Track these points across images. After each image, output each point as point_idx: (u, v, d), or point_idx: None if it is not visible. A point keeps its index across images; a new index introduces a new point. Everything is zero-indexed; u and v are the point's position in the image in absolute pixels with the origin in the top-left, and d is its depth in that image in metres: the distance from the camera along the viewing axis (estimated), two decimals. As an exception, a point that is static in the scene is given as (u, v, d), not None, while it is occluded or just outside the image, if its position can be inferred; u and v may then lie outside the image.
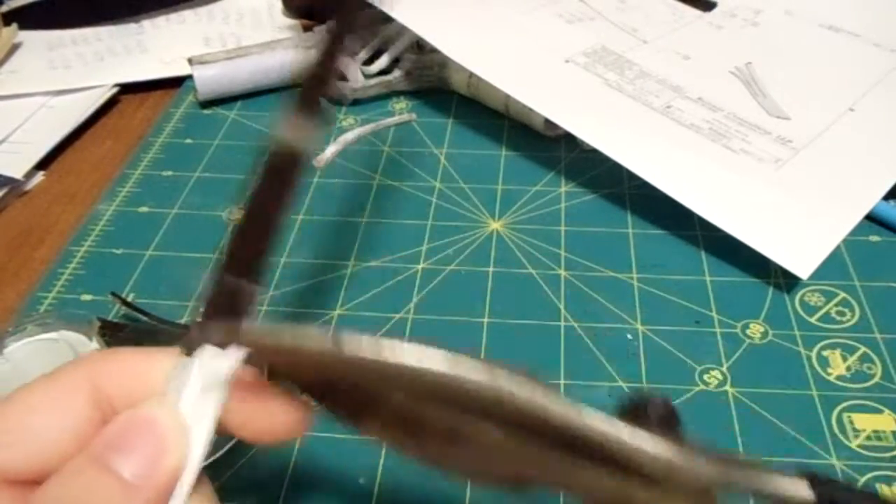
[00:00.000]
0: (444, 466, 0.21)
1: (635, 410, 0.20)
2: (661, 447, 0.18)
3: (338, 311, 0.37)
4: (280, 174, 0.23)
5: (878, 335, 0.35)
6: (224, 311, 0.21)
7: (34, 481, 0.18)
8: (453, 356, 0.18)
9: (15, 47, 0.59)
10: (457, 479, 0.21)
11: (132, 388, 0.20)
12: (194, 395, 0.20)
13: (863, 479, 0.30)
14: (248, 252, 0.22)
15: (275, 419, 0.21)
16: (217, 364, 0.20)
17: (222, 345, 0.20)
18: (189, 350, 0.21)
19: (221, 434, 0.20)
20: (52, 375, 0.20)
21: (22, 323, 0.33)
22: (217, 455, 0.29)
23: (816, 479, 0.19)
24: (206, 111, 0.53)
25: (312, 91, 0.24)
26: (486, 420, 0.19)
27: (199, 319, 0.21)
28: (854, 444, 0.31)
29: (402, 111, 0.52)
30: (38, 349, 0.32)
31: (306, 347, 0.19)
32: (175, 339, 0.34)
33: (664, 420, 0.20)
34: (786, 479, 0.19)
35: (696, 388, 0.33)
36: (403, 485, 0.30)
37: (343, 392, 0.21)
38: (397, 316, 0.37)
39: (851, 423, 0.32)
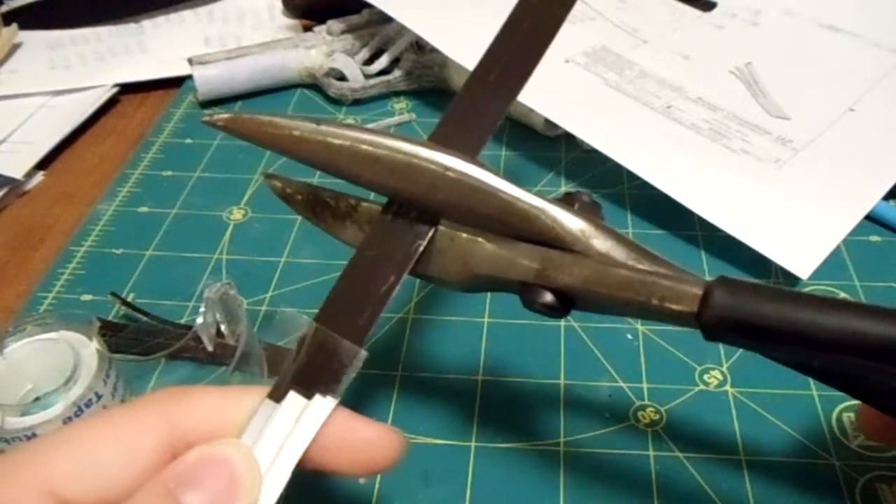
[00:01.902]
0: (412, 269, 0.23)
1: (563, 200, 0.24)
2: (575, 220, 0.23)
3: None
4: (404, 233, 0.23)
5: (878, 335, 0.35)
6: (318, 365, 0.21)
7: None
8: (411, 141, 0.23)
9: (15, 47, 0.59)
10: (425, 279, 0.24)
11: (211, 428, 0.20)
12: (275, 442, 0.20)
13: (863, 479, 0.30)
14: (353, 310, 0.22)
15: (368, 450, 0.21)
16: (302, 414, 0.20)
17: (309, 395, 0.20)
18: (276, 395, 0.20)
19: (309, 469, 0.20)
20: (129, 408, 0.20)
21: (22, 323, 0.33)
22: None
23: (718, 281, 0.22)
24: (206, 111, 0.53)
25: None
26: (437, 208, 0.23)
27: (290, 364, 0.21)
28: (854, 444, 0.31)
29: (402, 111, 0.52)
30: (37, 349, 0.32)
31: (294, 125, 0.23)
32: (175, 339, 0.34)
33: (587, 207, 0.24)
34: (688, 277, 0.22)
35: (696, 388, 0.33)
36: (403, 485, 0.30)
37: (327, 202, 0.26)
38: (397, 316, 0.37)
39: (851, 423, 0.32)
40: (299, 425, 0.20)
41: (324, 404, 0.20)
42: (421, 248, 0.23)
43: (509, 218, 0.22)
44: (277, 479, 0.19)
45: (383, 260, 0.22)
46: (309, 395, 0.20)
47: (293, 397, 0.20)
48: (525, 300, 0.23)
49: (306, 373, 0.21)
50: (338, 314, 0.22)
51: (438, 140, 0.23)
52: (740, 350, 0.35)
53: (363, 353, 0.21)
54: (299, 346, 0.21)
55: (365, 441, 0.21)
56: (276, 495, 0.19)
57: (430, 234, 0.23)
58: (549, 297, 0.23)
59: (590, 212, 0.24)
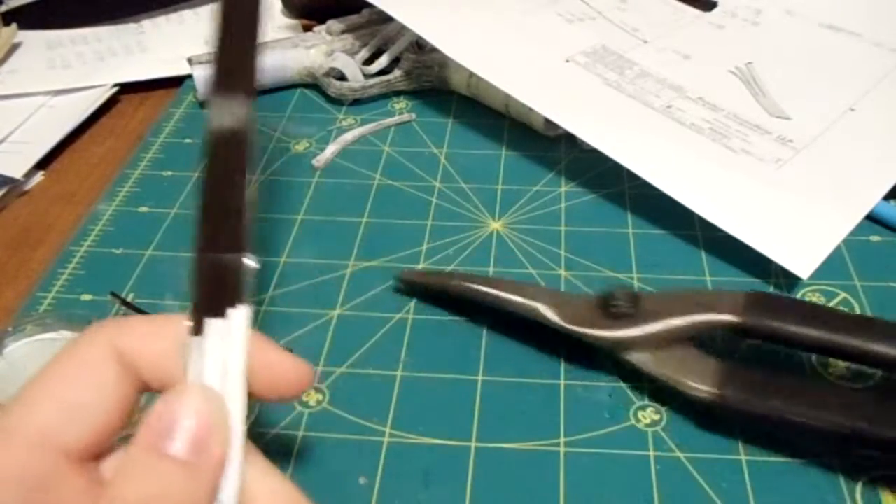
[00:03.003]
0: None
1: (605, 298, 0.33)
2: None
3: (338, 311, 0.37)
4: (228, 155, 0.24)
5: (878, 335, 0.35)
6: (216, 288, 0.22)
7: (91, 456, 0.20)
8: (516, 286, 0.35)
9: (15, 47, 0.59)
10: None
11: (153, 355, 0.21)
12: (216, 368, 0.21)
13: (863, 479, 0.30)
14: (222, 228, 0.22)
15: (284, 373, 0.22)
16: (230, 333, 0.21)
17: (224, 314, 0.21)
18: (196, 329, 0.21)
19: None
20: (75, 350, 0.21)
21: (22, 323, 0.33)
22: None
23: (751, 295, 0.32)
24: (206, 111, 0.53)
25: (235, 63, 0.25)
26: None
27: (193, 300, 0.22)
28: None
29: (402, 111, 0.52)
30: (37, 349, 0.32)
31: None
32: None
33: (630, 301, 0.32)
34: (724, 299, 0.32)
35: (697, 389, 0.33)
36: (403, 485, 0.30)
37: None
38: (397, 316, 0.37)
39: (852, 423, 0.32)
40: (229, 343, 0.21)
41: (239, 315, 0.21)
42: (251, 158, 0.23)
43: None
44: (236, 399, 0.21)
45: (223, 174, 0.23)
46: (222, 314, 0.21)
47: (211, 323, 0.21)
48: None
49: (210, 299, 0.22)
50: (211, 238, 0.22)
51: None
52: (741, 350, 0.35)
53: (249, 258, 0.22)
54: (192, 281, 0.22)
55: (285, 371, 0.23)
56: (242, 415, 0.20)
57: None
58: None
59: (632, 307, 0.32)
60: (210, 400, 0.20)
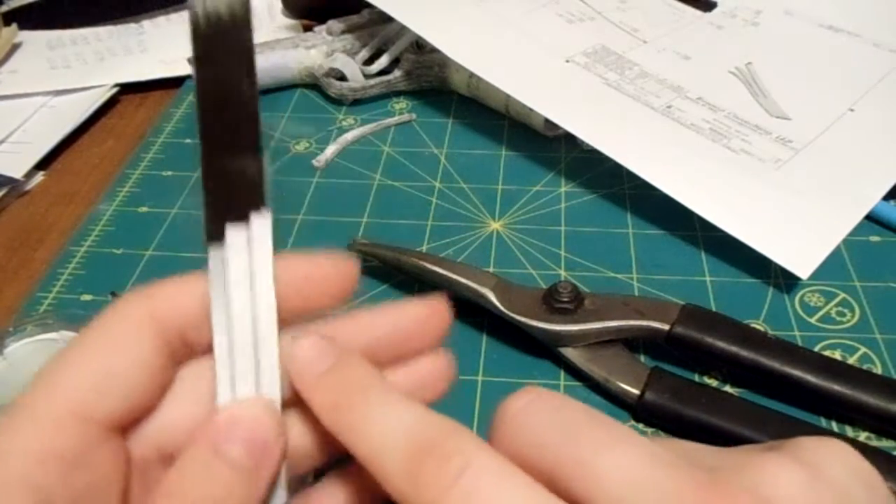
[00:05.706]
0: None
1: (550, 291, 0.34)
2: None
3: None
4: (229, 47, 0.21)
5: (878, 336, 0.35)
6: (232, 190, 0.20)
7: (125, 426, 0.19)
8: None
9: (15, 47, 0.59)
10: None
11: (195, 312, 0.20)
12: (242, 278, 0.20)
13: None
14: (234, 126, 0.20)
15: (324, 277, 0.21)
16: (254, 238, 0.20)
17: (246, 218, 0.20)
18: (214, 236, 0.20)
19: (290, 314, 0.20)
20: (105, 319, 0.20)
21: (22, 323, 0.33)
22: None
23: (686, 308, 0.34)
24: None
25: None
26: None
27: (207, 210, 0.20)
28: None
29: (402, 111, 0.52)
30: (38, 349, 0.32)
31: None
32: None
33: (572, 295, 0.34)
34: (661, 308, 0.34)
35: (697, 389, 0.33)
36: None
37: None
38: (397, 316, 0.37)
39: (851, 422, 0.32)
40: (254, 250, 0.20)
41: (262, 218, 0.20)
42: (253, 47, 0.20)
43: None
44: (267, 312, 0.20)
45: (226, 71, 0.21)
46: (244, 219, 0.20)
47: (232, 230, 0.20)
48: None
49: (227, 204, 0.20)
50: (222, 139, 0.20)
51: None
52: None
53: (265, 159, 0.20)
54: (204, 188, 0.21)
55: (324, 275, 0.21)
56: (274, 326, 0.19)
57: None
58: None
59: (575, 300, 0.34)
60: (269, 413, 0.20)
